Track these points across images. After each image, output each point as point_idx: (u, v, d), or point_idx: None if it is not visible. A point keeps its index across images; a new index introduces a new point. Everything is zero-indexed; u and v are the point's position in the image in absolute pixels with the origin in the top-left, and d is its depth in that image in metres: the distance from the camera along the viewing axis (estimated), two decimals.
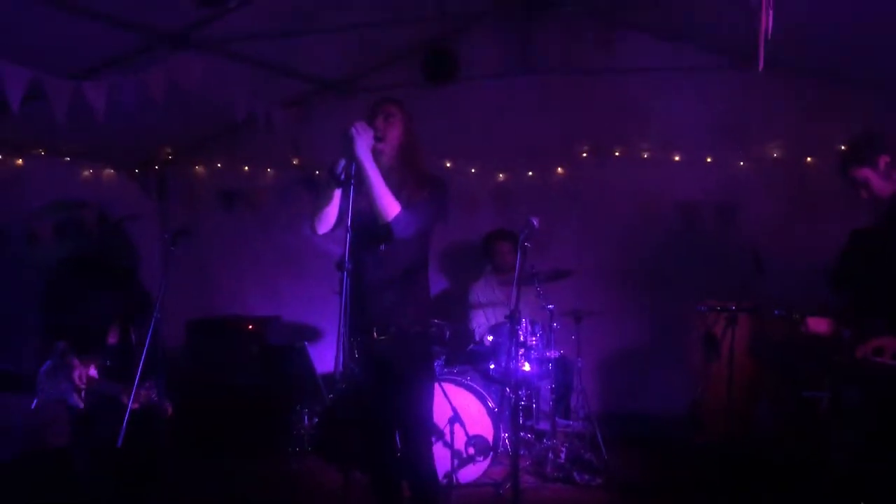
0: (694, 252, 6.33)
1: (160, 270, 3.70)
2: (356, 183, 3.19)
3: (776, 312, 4.19)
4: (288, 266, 6.93)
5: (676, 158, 6.47)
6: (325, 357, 6.23)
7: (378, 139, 3.40)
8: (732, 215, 6.37)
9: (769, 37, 3.31)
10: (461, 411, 5.04)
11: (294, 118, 6.07)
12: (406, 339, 3.48)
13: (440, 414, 4.82)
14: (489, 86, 6.43)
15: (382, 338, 3.45)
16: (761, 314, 5.12)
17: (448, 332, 5.47)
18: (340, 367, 2.88)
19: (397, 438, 3.58)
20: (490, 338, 5.55)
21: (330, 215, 3.46)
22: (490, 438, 5.06)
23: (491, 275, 6.28)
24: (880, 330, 3.59)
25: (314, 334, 6.79)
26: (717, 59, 6.02)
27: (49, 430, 4.94)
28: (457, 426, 5.01)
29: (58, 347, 4.09)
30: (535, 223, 3.84)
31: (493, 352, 5.48)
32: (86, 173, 6.60)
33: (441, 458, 4.36)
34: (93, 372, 4.06)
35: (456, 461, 4.97)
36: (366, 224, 3.31)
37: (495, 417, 5.10)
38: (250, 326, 6.50)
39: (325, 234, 3.51)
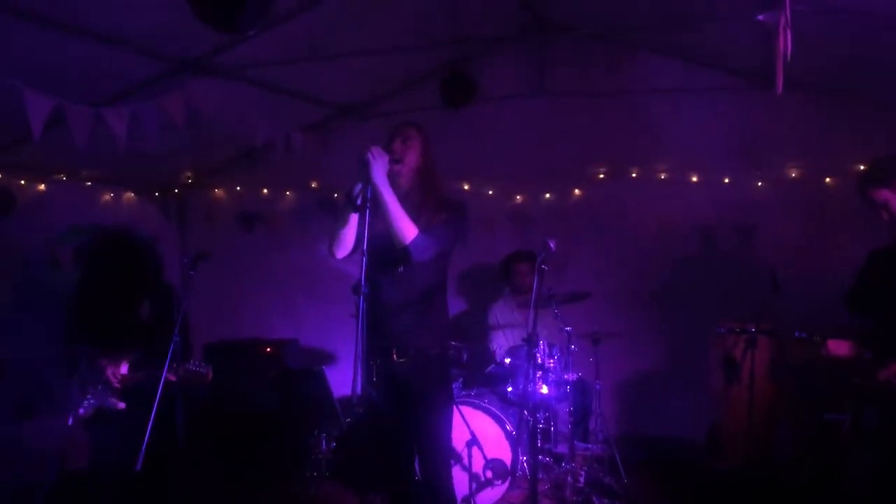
0: (712, 273, 6.30)
1: (179, 294, 3.71)
2: (372, 207, 3.21)
3: (796, 335, 4.16)
4: (306, 288, 6.95)
5: (694, 179, 6.46)
6: (343, 380, 6.23)
7: (395, 161, 3.42)
8: (750, 236, 6.34)
9: (788, 59, 3.31)
10: (479, 434, 5.03)
11: (313, 142, 6.11)
12: (425, 361, 3.48)
13: (458, 437, 4.80)
14: (506, 108, 6.46)
15: (402, 360, 3.45)
16: (781, 336, 5.08)
17: (465, 354, 5.47)
18: (358, 391, 2.88)
19: (416, 462, 3.56)
20: (508, 360, 5.54)
21: (347, 239, 3.48)
22: (508, 462, 5.04)
23: (509, 296, 6.28)
24: None
25: (332, 357, 6.80)
26: (733, 79, 6.02)
27: (68, 454, 4.97)
28: (475, 449, 4.99)
29: (80, 361, 4.09)
30: (552, 245, 3.84)
31: (510, 374, 5.47)
32: (106, 197, 6.67)
33: (459, 481, 4.34)
34: (124, 369, 4.05)
35: (474, 485, 4.94)
36: (383, 247, 3.32)
37: (513, 441, 5.07)
38: (268, 349, 6.52)
39: (343, 258, 3.53)
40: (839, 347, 3.95)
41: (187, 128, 4.51)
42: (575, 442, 5.41)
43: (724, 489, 5.16)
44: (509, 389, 5.43)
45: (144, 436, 3.41)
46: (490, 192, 6.93)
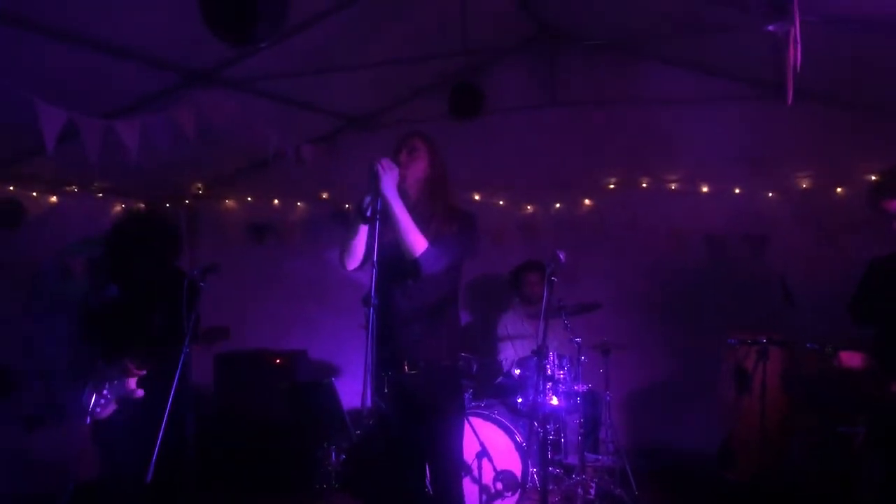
0: (722, 283, 6.27)
1: (188, 306, 3.70)
2: (382, 219, 3.20)
3: (808, 346, 4.13)
4: (316, 299, 6.94)
5: (704, 189, 6.44)
6: (353, 392, 6.21)
7: (401, 174, 3.42)
8: (761, 246, 6.31)
9: (797, 70, 3.30)
10: (489, 446, 5.01)
11: (322, 153, 6.13)
12: (436, 372, 3.47)
13: (468, 448, 4.79)
14: (515, 118, 6.47)
15: (413, 372, 3.44)
16: (793, 348, 5.06)
17: (475, 366, 5.46)
18: (368, 403, 2.87)
19: (427, 474, 3.55)
20: (517, 371, 5.53)
21: (358, 250, 3.47)
22: (518, 473, 5.02)
23: (519, 307, 6.26)
24: None
25: (342, 368, 6.80)
26: (743, 89, 6.02)
27: (79, 465, 4.97)
28: (485, 461, 4.98)
29: (94, 360, 4.09)
30: (561, 257, 3.82)
31: (520, 385, 5.46)
32: (117, 209, 6.70)
33: (469, 493, 4.33)
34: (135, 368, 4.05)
35: (484, 496, 4.93)
36: (394, 259, 3.31)
37: (523, 452, 5.06)
38: (278, 361, 6.52)
39: (354, 269, 3.53)
40: (852, 359, 3.93)
41: (198, 139, 4.53)
42: (585, 453, 5.38)
43: (735, 501, 5.13)
44: (519, 400, 5.42)
45: (154, 447, 3.41)
46: (500, 203, 6.92)
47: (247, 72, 5.10)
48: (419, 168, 3.52)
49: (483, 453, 4.98)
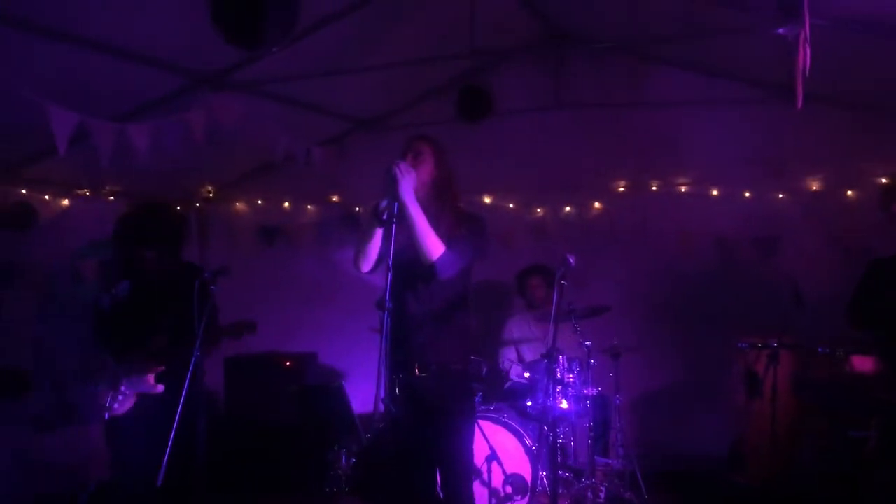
0: (732, 286, 6.25)
1: (199, 308, 3.70)
2: (398, 222, 3.21)
3: (819, 350, 4.12)
4: (327, 302, 6.92)
5: (714, 192, 6.42)
6: (363, 395, 6.22)
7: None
8: (771, 249, 6.29)
9: (807, 73, 3.29)
10: (498, 449, 5.01)
11: (331, 156, 6.14)
12: (447, 376, 3.48)
13: (477, 452, 4.77)
14: (523, 121, 6.46)
15: (424, 375, 3.45)
16: (804, 351, 5.04)
17: (485, 369, 5.45)
18: (380, 406, 2.88)
19: (438, 477, 3.55)
20: (527, 374, 5.52)
21: (372, 253, 3.48)
22: (528, 477, 5.01)
23: (525, 311, 6.25)
24: None
25: (351, 372, 6.79)
26: (753, 91, 6.00)
27: (91, 465, 4.99)
28: (494, 464, 4.97)
29: (107, 358, 4.09)
30: (571, 261, 3.82)
31: (529, 389, 5.45)
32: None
33: (479, 496, 4.32)
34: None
35: (493, 500, 4.93)
36: (407, 262, 3.31)
37: (533, 456, 5.05)
38: (288, 363, 6.52)
39: (368, 272, 3.53)
40: (864, 363, 3.91)
41: (208, 142, 4.55)
42: (595, 457, 5.37)
43: None
44: (528, 404, 5.40)
45: (165, 449, 3.42)
46: (510, 206, 6.92)
47: (256, 74, 5.11)
48: (425, 171, 3.52)
49: (493, 457, 4.97)
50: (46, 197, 5.88)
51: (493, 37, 5.67)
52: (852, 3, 4.01)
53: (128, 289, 4.16)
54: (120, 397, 4.00)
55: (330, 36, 4.97)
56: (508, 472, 5.01)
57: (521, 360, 6.03)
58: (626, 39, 6.11)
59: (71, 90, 4.31)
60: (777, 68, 4.16)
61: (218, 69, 4.95)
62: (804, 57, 3.28)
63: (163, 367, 4.01)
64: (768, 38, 3.71)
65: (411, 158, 3.52)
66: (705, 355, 6.13)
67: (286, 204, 7.34)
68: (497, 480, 4.98)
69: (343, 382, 5.73)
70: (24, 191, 5.67)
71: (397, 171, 3.24)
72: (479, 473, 4.89)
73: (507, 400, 5.54)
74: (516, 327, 6.22)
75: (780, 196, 6.28)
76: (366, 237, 3.46)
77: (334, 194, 7.20)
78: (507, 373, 5.66)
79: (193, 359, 3.61)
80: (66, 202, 6.03)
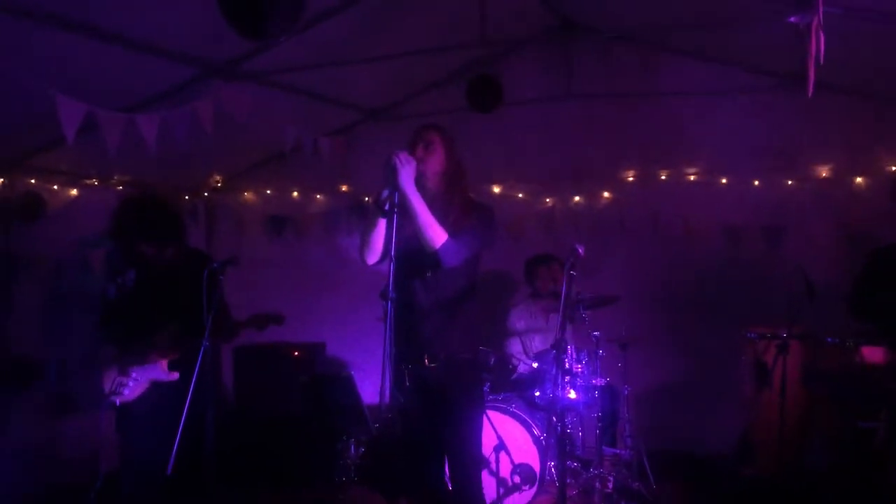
0: (741, 275, 6.24)
1: (207, 298, 3.71)
2: (400, 212, 3.20)
3: (829, 340, 4.10)
4: (336, 292, 6.94)
5: (723, 181, 6.40)
6: (372, 385, 6.22)
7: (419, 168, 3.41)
8: (780, 238, 6.28)
9: (821, 62, 3.26)
10: (506, 439, 5.01)
11: (339, 146, 6.14)
12: (456, 366, 3.47)
13: (486, 442, 4.77)
14: (534, 111, 6.44)
15: (432, 365, 3.44)
16: (813, 342, 5.01)
17: (493, 359, 5.45)
18: (387, 399, 2.88)
19: (446, 467, 3.56)
20: (535, 364, 5.52)
21: (377, 244, 3.47)
22: (536, 467, 5.02)
23: (532, 300, 6.23)
24: None
25: (360, 362, 6.78)
26: (763, 80, 5.96)
27: (102, 455, 5.01)
28: (502, 454, 4.98)
29: (111, 351, 4.10)
30: (580, 251, 3.81)
31: (537, 379, 5.45)
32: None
33: (487, 486, 4.33)
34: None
35: (502, 490, 4.93)
36: (413, 252, 3.31)
37: (541, 445, 5.05)
38: (296, 353, 6.54)
39: (374, 263, 3.53)
40: (874, 354, 3.89)
41: (216, 132, 4.55)
42: (603, 447, 5.37)
43: (754, 496, 5.10)
44: (536, 394, 5.41)
45: (174, 439, 3.43)
46: (520, 195, 6.91)
47: (265, 65, 5.10)
48: (436, 161, 3.50)
49: (501, 447, 4.98)
50: (55, 187, 5.90)
51: (502, 26, 5.64)
52: None
53: (134, 278, 4.16)
54: (131, 383, 4.00)
55: (339, 25, 4.95)
56: (516, 461, 5.01)
57: (526, 352, 6.03)
58: (635, 29, 6.07)
59: (80, 80, 4.32)
60: (787, 57, 4.13)
61: (227, 59, 4.94)
62: (817, 45, 3.25)
63: (177, 355, 4.02)
64: (779, 26, 3.67)
65: (422, 148, 3.50)
66: (714, 345, 6.12)
67: (295, 194, 7.35)
68: (505, 470, 4.99)
69: (352, 372, 5.73)
70: (32, 181, 5.69)
71: (397, 161, 3.23)
72: (487, 463, 4.91)
73: (515, 390, 5.54)
74: (521, 317, 6.19)
75: (790, 185, 6.25)
76: (369, 228, 3.45)
77: (343, 184, 7.20)
78: (515, 368, 5.66)
79: (202, 350, 3.62)
80: (74, 192, 6.04)
